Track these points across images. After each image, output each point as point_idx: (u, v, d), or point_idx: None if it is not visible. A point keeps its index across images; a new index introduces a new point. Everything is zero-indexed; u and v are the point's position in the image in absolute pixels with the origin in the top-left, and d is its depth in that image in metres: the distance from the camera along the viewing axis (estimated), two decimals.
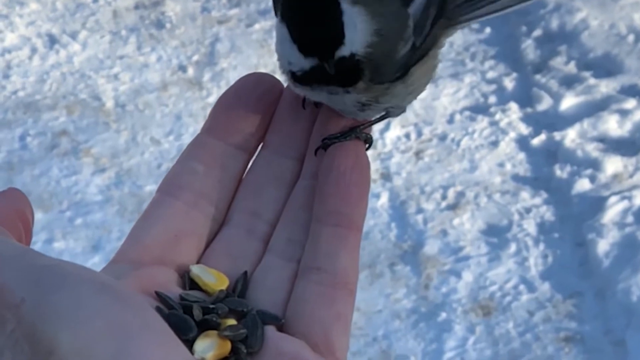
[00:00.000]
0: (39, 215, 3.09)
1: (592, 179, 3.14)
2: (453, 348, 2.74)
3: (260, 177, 0.80)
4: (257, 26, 3.90)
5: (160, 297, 0.70)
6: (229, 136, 0.80)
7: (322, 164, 0.77)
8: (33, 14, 3.92)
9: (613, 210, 3.01)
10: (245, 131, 0.80)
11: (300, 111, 0.81)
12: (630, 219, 2.99)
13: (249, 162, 0.81)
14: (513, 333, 2.76)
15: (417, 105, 3.36)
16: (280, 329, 0.71)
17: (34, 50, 3.76)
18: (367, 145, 0.80)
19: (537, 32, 3.74)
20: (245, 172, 0.81)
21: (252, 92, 0.81)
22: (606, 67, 3.58)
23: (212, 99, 3.47)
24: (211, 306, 0.70)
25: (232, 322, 0.70)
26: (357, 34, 0.79)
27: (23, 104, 3.54)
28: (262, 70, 3.63)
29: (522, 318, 2.81)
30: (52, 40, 3.81)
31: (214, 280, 0.73)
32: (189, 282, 0.73)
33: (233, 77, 3.62)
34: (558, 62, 3.62)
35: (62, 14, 3.94)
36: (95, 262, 2.95)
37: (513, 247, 2.99)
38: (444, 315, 2.82)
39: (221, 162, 0.79)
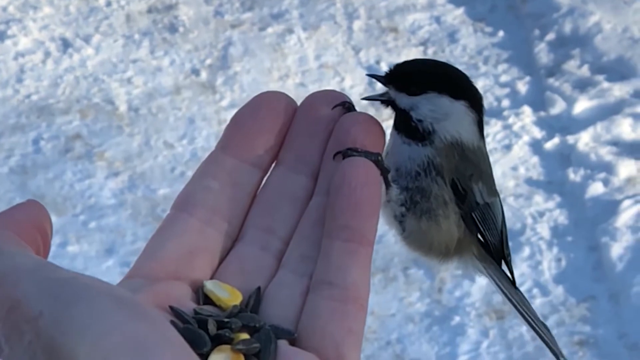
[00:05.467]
0: (52, 219, 3.08)
1: (606, 182, 3.13)
2: (466, 352, 2.74)
3: (274, 193, 0.80)
4: (270, 30, 3.90)
5: (174, 311, 0.70)
6: (243, 153, 0.80)
7: (333, 180, 0.77)
8: (46, 18, 3.93)
9: (627, 213, 3.01)
10: (259, 148, 0.81)
11: (314, 129, 0.81)
12: None
13: (263, 179, 0.81)
14: (527, 337, 2.76)
15: None
16: (293, 343, 0.71)
17: (47, 54, 3.77)
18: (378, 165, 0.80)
19: (551, 36, 3.74)
20: (259, 189, 0.81)
21: (266, 109, 0.81)
22: (619, 70, 3.57)
23: (225, 103, 3.47)
24: (225, 320, 0.70)
25: (245, 336, 0.70)
26: None
27: (37, 108, 3.55)
28: (275, 73, 3.66)
29: None
30: (66, 44, 3.82)
31: (228, 295, 0.73)
32: (203, 297, 0.74)
33: (246, 80, 3.63)
34: (571, 65, 3.61)
35: (76, 17, 3.95)
36: (109, 266, 2.96)
37: (527, 251, 2.99)
38: (457, 319, 2.82)
39: (235, 179, 0.79)
